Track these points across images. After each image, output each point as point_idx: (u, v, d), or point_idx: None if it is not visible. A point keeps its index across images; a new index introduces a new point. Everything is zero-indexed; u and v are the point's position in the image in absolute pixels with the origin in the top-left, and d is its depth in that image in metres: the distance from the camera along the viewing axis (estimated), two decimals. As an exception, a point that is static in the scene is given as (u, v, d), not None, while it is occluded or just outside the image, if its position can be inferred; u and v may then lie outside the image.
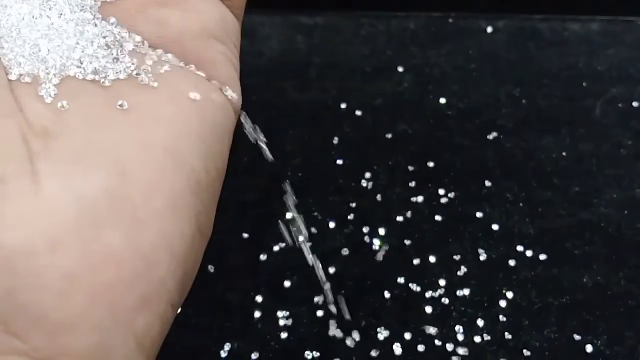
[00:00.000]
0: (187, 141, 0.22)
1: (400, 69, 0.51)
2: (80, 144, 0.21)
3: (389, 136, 0.48)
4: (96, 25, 0.23)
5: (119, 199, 0.20)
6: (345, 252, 0.43)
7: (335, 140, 0.48)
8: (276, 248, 0.43)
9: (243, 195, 0.45)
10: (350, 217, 0.44)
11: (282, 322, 0.40)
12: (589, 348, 0.39)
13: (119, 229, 0.20)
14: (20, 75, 0.22)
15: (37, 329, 0.19)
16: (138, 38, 0.24)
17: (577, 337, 0.40)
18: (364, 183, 0.46)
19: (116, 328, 0.20)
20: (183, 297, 0.23)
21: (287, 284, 0.42)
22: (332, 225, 0.44)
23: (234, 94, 0.25)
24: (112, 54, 0.23)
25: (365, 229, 0.44)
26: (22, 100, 0.21)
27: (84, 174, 0.20)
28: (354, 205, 0.45)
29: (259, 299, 0.41)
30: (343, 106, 0.49)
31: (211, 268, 0.42)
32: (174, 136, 0.22)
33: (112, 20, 0.24)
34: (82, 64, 0.23)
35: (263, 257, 0.42)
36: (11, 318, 0.19)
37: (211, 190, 0.23)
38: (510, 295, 0.41)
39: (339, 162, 0.47)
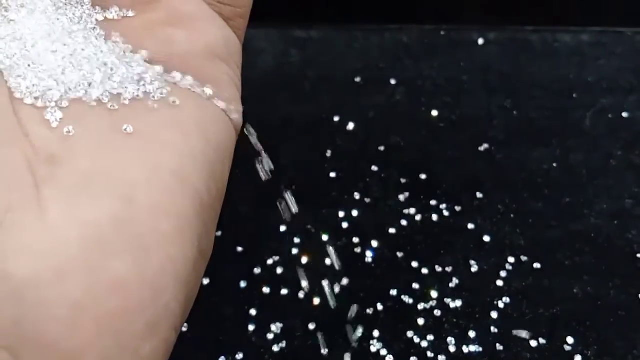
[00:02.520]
0: (191, 162, 0.22)
1: (393, 81, 0.52)
2: (86, 170, 0.21)
3: (382, 148, 0.48)
4: (103, 47, 0.23)
5: (125, 225, 0.20)
6: (338, 264, 0.43)
7: (328, 153, 0.48)
8: (270, 261, 0.43)
9: (237, 208, 0.45)
10: (343, 229, 0.45)
11: (276, 335, 0.41)
12: (579, 358, 0.40)
13: (125, 256, 0.20)
14: (27, 97, 0.22)
15: (46, 359, 0.19)
16: (144, 59, 0.24)
17: (567, 348, 0.40)
18: (356, 195, 0.46)
19: (123, 356, 0.20)
20: (185, 318, 0.23)
21: (281, 297, 0.42)
22: (325, 237, 0.44)
23: (236, 114, 0.25)
24: (119, 77, 0.23)
25: (358, 241, 0.44)
26: (27, 125, 0.21)
27: (90, 201, 0.20)
28: (346, 217, 0.45)
29: (253, 312, 0.41)
30: (336, 119, 0.50)
31: (205, 281, 0.42)
32: (179, 158, 0.22)
33: (119, 40, 0.24)
34: (88, 87, 0.22)
35: (257, 270, 0.43)
36: (20, 348, 0.19)
37: (212, 211, 0.23)
38: (501, 305, 0.42)
39: (332, 174, 0.47)
